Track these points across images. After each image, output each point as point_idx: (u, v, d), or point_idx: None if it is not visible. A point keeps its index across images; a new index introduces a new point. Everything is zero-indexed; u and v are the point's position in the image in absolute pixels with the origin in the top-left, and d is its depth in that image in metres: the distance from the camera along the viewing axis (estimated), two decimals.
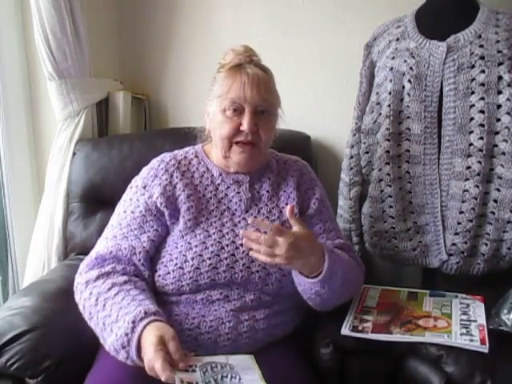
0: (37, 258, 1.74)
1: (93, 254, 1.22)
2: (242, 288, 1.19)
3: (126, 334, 1.02)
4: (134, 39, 2.03)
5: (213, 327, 1.15)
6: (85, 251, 1.65)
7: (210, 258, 1.17)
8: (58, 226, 1.72)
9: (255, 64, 1.24)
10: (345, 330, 1.22)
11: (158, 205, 1.23)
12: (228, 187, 1.28)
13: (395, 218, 1.57)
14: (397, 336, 1.20)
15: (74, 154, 1.73)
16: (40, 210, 1.76)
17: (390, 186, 1.56)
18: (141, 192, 1.26)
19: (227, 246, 1.20)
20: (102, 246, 1.22)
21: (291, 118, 1.86)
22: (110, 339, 1.05)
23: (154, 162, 1.30)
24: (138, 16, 2.00)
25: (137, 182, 1.29)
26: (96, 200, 1.70)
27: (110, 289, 1.12)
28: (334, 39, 1.84)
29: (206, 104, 1.28)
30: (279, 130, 1.79)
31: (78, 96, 1.72)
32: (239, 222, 1.25)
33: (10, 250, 1.81)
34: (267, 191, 1.30)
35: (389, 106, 1.53)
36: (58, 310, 1.30)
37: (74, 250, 1.70)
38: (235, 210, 1.26)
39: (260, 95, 1.20)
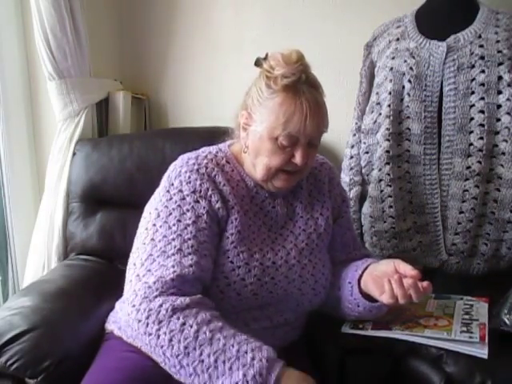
0: (37, 257, 1.74)
1: (156, 277, 0.99)
2: (273, 309, 1.12)
3: (261, 374, 0.88)
4: (134, 39, 2.03)
5: None
6: (85, 251, 1.67)
7: (251, 284, 1.08)
8: (58, 226, 1.72)
9: (310, 83, 1.09)
10: (345, 328, 1.23)
11: (220, 216, 1.08)
12: (263, 201, 1.17)
13: (395, 218, 1.57)
14: (396, 332, 1.20)
15: (74, 153, 1.73)
16: (40, 210, 1.75)
17: (390, 185, 1.56)
18: (193, 198, 1.07)
19: (268, 267, 1.11)
20: (172, 269, 1.00)
21: None
22: (232, 379, 0.89)
23: (190, 165, 1.11)
24: (138, 16, 2.00)
25: (176, 185, 1.09)
26: (96, 200, 1.70)
27: (211, 320, 0.96)
28: (334, 39, 1.84)
29: (247, 117, 1.12)
30: None
31: (78, 96, 1.72)
32: (276, 238, 1.16)
33: (10, 250, 1.81)
34: (300, 202, 1.21)
35: (389, 106, 1.52)
36: (58, 310, 1.30)
37: (73, 250, 1.70)
38: (271, 225, 1.16)
39: (318, 128, 1.09)
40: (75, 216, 1.71)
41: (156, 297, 0.97)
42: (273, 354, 0.93)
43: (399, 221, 1.58)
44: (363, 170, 1.63)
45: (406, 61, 1.51)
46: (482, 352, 1.12)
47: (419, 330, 1.20)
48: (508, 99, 1.42)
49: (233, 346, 0.92)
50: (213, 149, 1.19)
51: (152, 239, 1.05)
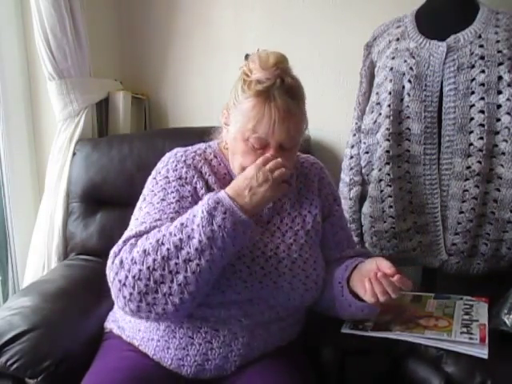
0: (37, 257, 1.74)
1: (123, 237, 1.07)
2: (264, 303, 1.13)
3: (211, 196, 0.99)
4: (134, 39, 2.03)
5: (225, 342, 1.10)
6: (85, 251, 1.66)
7: (241, 271, 1.10)
8: (57, 226, 1.72)
9: (286, 89, 1.09)
10: (345, 329, 1.22)
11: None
12: None
13: (395, 218, 1.57)
14: (396, 333, 1.19)
15: (74, 154, 1.73)
16: (40, 210, 1.76)
17: (390, 185, 1.56)
18: (178, 183, 1.13)
19: (257, 257, 1.13)
20: (138, 228, 1.07)
21: None
22: (199, 213, 0.98)
23: (178, 156, 1.18)
24: (137, 16, 2.00)
25: (162, 173, 1.16)
26: (96, 200, 1.70)
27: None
28: (334, 39, 1.84)
29: (226, 116, 1.16)
30: None
31: (78, 96, 1.72)
32: (263, 232, 1.18)
33: (10, 250, 1.81)
34: (289, 198, 1.23)
35: (389, 106, 1.52)
36: (58, 310, 1.30)
37: (73, 250, 1.70)
38: (257, 220, 1.16)
39: (288, 134, 1.09)
40: (75, 216, 1.71)
41: (121, 247, 1.04)
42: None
43: (399, 221, 1.58)
44: (363, 170, 1.63)
45: (406, 61, 1.51)
46: (482, 352, 1.12)
47: (419, 331, 1.20)
48: (508, 99, 1.42)
49: (185, 215, 1.01)
50: (203, 145, 1.25)
51: (136, 219, 1.12)
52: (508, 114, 1.42)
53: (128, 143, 1.73)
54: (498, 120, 1.44)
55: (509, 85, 1.41)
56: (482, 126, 1.44)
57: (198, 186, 1.13)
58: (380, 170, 1.56)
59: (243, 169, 1.11)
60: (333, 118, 1.89)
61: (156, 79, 2.04)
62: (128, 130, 1.93)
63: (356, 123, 1.64)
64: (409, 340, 1.18)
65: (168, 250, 0.98)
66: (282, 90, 1.08)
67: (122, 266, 1.00)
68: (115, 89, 1.92)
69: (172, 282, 0.98)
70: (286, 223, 1.20)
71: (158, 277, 0.98)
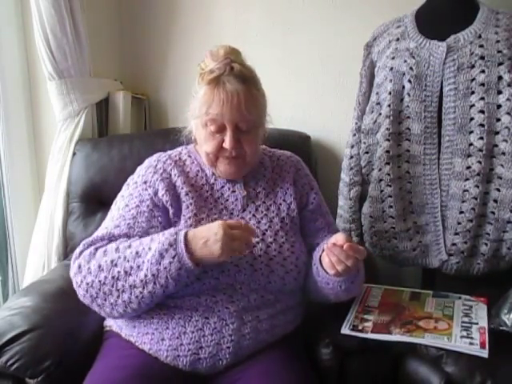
0: (37, 258, 1.74)
1: (86, 240, 1.20)
2: (246, 287, 1.17)
3: (171, 234, 1.08)
4: (134, 39, 2.03)
5: (216, 328, 1.13)
6: None
7: None
8: (57, 225, 1.72)
9: (235, 74, 1.18)
10: (345, 329, 1.23)
11: (164, 202, 1.22)
12: (223, 186, 1.28)
13: (395, 218, 1.57)
14: (396, 337, 1.19)
15: (74, 153, 1.74)
16: (40, 210, 1.76)
17: (390, 186, 1.56)
18: (142, 187, 1.24)
19: None
20: (103, 231, 1.20)
21: (291, 118, 1.89)
22: (151, 253, 1.07)
23: (151, 161, 1.30)
24: (138, 16, 2.01)
25: (134, 179, 1.28)
26: (96, 200, 1.70)
27: (127, 240, 1.15)
28: (334, 39, 1.84)
29: (188, 116, 1.28)
30: (279, 130, 1.80)
31: (78, 96, 1.72)
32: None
33: (10, 250, 1.81)
34: (263, 188, 1.31)
35: (389, 106, 1.53)
36: (58, 310, 1.30)
37: (73, 249, 1.67)
38: (232, 209, 1.26)
39: (240, 113, 1.18)
40: (75, 216, 1.71)
41: (85, 248, 1.18)
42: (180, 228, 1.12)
43: (399, 221, 1.58)
44: (363, 170, 1.63)
45: (406, 61, 1.51)
46: (483, 351, 1.13)
47: (419, 334, 1.20)
48: (508, 99, 1.42)
49: (147, 239, 1.12)
50: (181, 148, 1.36)
51: (104, 221, 1.26)
52: (508, 114, 1.42)
53: (128, 143, 1.74)
54: (498, 120, 1.44)
55: (509, 85, 1.41)
56: (482, 126, 1.44)
57: (160, 188, 1.23)
58: (380, 170, 1.56)
59: (207, 155, 1.23)
60: (333, 117, 1.89)
61: (156, 79, 2.05)
62: (128, 130, 1.93)
63: (356, 123, 1.64)
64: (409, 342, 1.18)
65: (119, 272, 1.10)
66: (231, 76, 1.18)
67: (80, 271, 1.14)
68: (115, 89, 1.92)
69: (118, 297, 1.11)
70: (261, 211, 1.27)
71: (106, 290, 1.11)
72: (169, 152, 1.34)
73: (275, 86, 1.91)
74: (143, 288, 1.08)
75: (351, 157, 1.65)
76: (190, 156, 1.32)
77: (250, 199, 1.29)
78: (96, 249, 1.15)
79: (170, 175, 1.25)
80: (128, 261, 1.10)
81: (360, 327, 1.23)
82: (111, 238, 1.18)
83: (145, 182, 1.24)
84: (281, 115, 1.89)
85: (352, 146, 1.65)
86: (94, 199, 1.70)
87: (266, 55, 1.89)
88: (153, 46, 2.01)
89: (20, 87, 1.79)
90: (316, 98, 1.90)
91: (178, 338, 1.13)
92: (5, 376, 1.18)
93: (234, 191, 1.28)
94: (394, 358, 1.22)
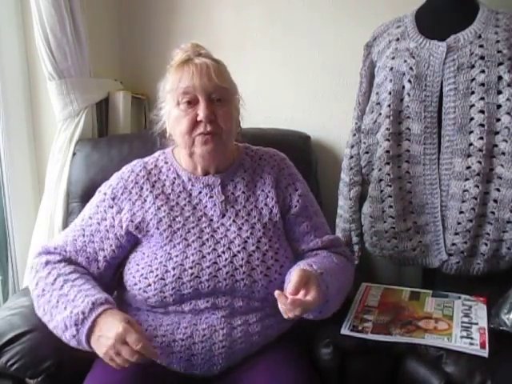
0: None
1: (47, 244, 1.27)
2: (229, 295, 1.15)
3: (83, 313, 1.05)
4: (133, 39, 2.03)
5: (206, 335, 1.12)
6: None
7: (191, 267, 1.14)
8: (57, 226, 1.72)
9: (204, 56, 1.21)
10: (345, 330, 1.23)
11: (124, 226, 1.21)
12: (200, 192, 1.24)
13: (395, 218, 1.57)
14: (396, 337, 1.19)
15: (74, 153, 1.73)
16: (40, 210, 1.75)
17: (390, 185, 1.56)
18: (109, 204, 1.24)
19: (208, 254, 1.16)
20: (61, 241, 1.24)
21: (291, 118, 1.89)
22: (62, 315, 1.08)
23: (125, 172, 1.28)
24: (137, 16, 2.00)
25: (106, 189, 1.27)
26: None
27: (71, 272, 1.17)
28: (333, 39, 1.84)
29: (160, 108, 1.26)
30: (279, 130, 1.79)
31: (78, 96, 1.71)
32: (218, 227, 1.20)
33: (10, 250, 1.81)
34: (243, 192, 1.25)
35: (389, 106, 1.53)
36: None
37: None
38: (212, 215, 1.22)
39: (211, 82, 1.16)
40: (75, 216, 1.69)
41: (39, 254, 1.23)
42: (102, 301, 1.08)
43: (399, 221, 1.58)
44: (363, 170, 1.63)
45: (406, 61, 1.51)
46: (483, 351, 1.13)
47: (419, 335, 1.20)
48: (508, 99, 1.42)
49: (74, 292, 1.11)
50: (158, 153, 1.33)
51: (73, 223, 1.30)
52: (508, 114, 1.42)
53: (128, 143, 1.73)
54: (498, 120, 1.44)
55: (509, 85, 1.41)
56: (482, 126, 1.44)
57: (126, 208, 1.22)
58: (380, 169, 1.56)
59: (183, 136, 1.19)
60: (333, 117, 1.89)
61: (156, 79, 2.03)
62: (128, 130, 1.93)
63: (356, 123, 1.64)
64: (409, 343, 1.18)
65: (43, 303, 1.14)
66: (200, 56, 1.20)
67: (33, 278, 1.19)
68: (115, 89, 1.91)
69: (48, 322, 1.13)
70: (242, 216, 1.22)
71: (46, 309, 1.14)
72: (146, 159, 1.31)
73: (275, 85, 1.93)
74: (55, 330, 1.12)
75: (351, 157, 1.65)
76: (166, 162, 1.29)
77: (229, 203, 1.23)
78: (47, 263, 1.19)
79: (142, 189, 1.24)
80: (49, 302, 1.12)
81: (360, 327, 1.23)
82: (63, 254, 1.22)
83: (113, 198, 1.24)
84: (281, 115, 1.90)
85: (352, 146, 1.65)
86: None
87: (265, 55, 1.89)
88: (153, 46, 2.01)
89: (20, 87, 1.79)
90: (316, 98, 1.90)
91: (168, 346, 1.13)
92: (5, 376, 1.19)
93: (211, 196, 1.23)
94: (394, 358, 1.22)
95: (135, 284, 1.17)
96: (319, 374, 1.19)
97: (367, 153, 1.61)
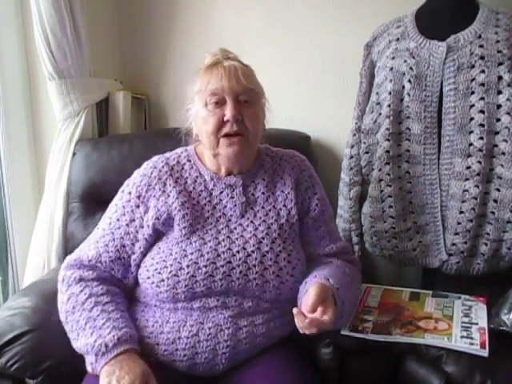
0: (37, 258, 1.74)
1: (78, 255, 1.25)
2: (240, 295, 1.16)
3: (106, 345, 1.06)
4: (133, 39, 2.03)
5: (211, 334, 1.12)
6: None
7: (205, 266, 1.15)
8: (57, 226, 1.72)
9: (232, 59, 1.22)
10: (345, 330, 1.23)
11: (151, 224, 1.21)
12: (221, 192, 1.25)
13: (395, 218, 1.57)
14: (396, 337, 1.19)
15: (74, 154, 1.74)
16: (40, 210, 1.76)
17: (390, 185, 1.56)
18: (135, 203, 1.23)
19: (223, 253, 1.17)
20: (94, 251, 1.22)
21: (291, 118, 1.89)
22: (86, 340, 1.08)
23: (147, 169, 1.27)
24: (137, 16, 2.00)
25: (130, 188, 1.26)
26: (96, 200, 1.69)
27: (103, 294, 1.16)
28: (334, 39, 1.84)
29: (189, 109, 1.27)
30: (279, 130, 1.79)
31: (78, 96, 1.72)
32: (235, 228, 1.21)
33: (10, 250, 1.81)
34: (262, 193, 1.26)
35: (389, 106, 1.53)
36: (58, 310, 1.30)
37: (73, 250, 1.68)
38: (231, 215, 1.23)
39: (240, 83, 1.18)
40: (75, 216, 1.71)
41: (72, 267, 1.22)
42: (127, 337, 1.08)
43: (399, 221, 1.58)
44: (363, 170, 1.63)
45: (406, 61, 1.51)
46: (483, 351, 1.13)
47: (419, 335, 1.20)
48: (508, 99, 1.42)
49: (103, 318, 1.10)
50: (180, 150, 1.32)
51: (97, 228, 1.28)
52: (508, 114, 1.42)
53: (128, 143, 1.73)
54: (498, 120, 1.44)
55: (509, 85, 1.41)
56: (482, 126, 1.44)
57: (152, 205, 1.22)
58: (380, 170, 1.56)
59: (209, 136, 1.19)
60: (333, 117, 1.89)
61: (156, 79, 2.04)
62: (128, 130, 1.93)
63: (356, 123, 1.64)
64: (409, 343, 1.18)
65: (71, 321, 1.14)
66: (229, 60, 1.22)
67: (65, 291, 1.18)
68: (115, 89, 1.91)
69: (73, 340, 1.13)
70: (260, 217, 1.23)
71: (73, 327, 1.13)
72: (167, 155, 1.31)
73: (275, 85, 1.91)
74: (77, 349, 1.12)
75: (351, 157, 1.65)
76: (189, 160, 1.28)
77: (249, 205, 1.24)
78: (80, 279, 1.18)
79: (165, 185, 1.24)
80: (77, 322, 1.12)
81: (360, 328, 1.23)
82: (98, 267, 1.21)
83: (138, 197, 1.23)
84: (281, 115, 1.89)
85: (352, 146, 1.65)
86: (94, 199, 1.70)
87: (265, 55, 1.89)
88: (153, 46, 2.01)
89: (20, 87, 1.79)
90: (316, 98, 1.90)
91: (172, 343, 1.13)
92: (5, 376, 1.18)
93: (232, 197, 1.24)
94: (394, 358, 1.22)
95: (148, 277, 1.18)
96: (319, 373, 1.19)
97: (367, 153, 1.61)
